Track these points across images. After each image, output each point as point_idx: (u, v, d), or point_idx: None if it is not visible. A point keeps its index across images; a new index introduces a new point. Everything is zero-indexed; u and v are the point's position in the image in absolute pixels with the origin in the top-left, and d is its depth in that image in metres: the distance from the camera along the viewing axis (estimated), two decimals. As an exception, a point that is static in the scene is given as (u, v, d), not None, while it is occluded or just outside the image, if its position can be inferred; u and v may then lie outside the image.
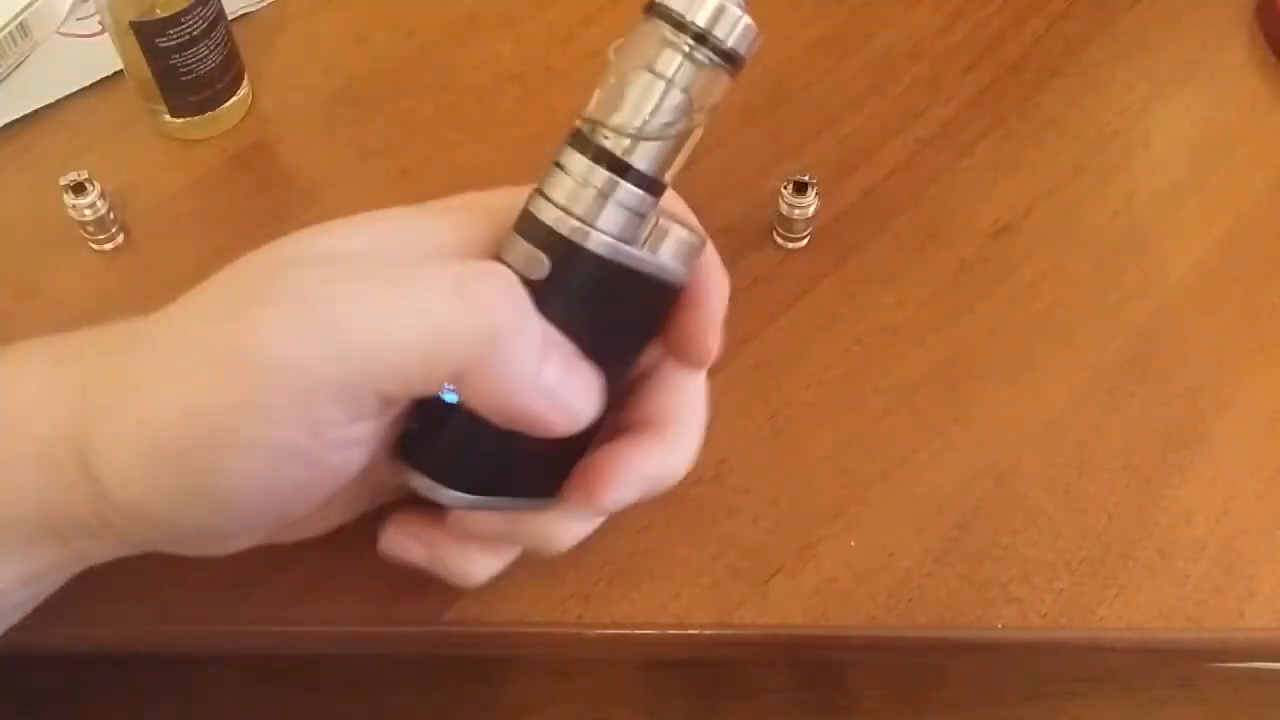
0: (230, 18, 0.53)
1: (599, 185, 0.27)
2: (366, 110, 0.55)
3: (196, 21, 0.49)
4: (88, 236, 0.49)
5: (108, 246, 0.49)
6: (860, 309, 0.48)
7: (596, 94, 0.28)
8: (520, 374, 0.26)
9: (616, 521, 0.39)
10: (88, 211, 0.48)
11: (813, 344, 0.47)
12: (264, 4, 0.59)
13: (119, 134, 0.54)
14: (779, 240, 0.50)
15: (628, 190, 0.27)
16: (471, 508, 0.31)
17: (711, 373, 0.46)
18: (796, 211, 0.48)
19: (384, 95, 0.55)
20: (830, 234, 0.50)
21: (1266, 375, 0.47)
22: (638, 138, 0.27)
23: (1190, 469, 0.44)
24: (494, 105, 0.55)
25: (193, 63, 0.50)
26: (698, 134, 0.28)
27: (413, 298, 0.25)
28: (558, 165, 0.28)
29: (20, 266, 0.49)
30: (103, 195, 0.48)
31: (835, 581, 0.41)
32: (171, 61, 0.50)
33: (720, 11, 0.26)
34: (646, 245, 0.28)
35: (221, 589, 0.39)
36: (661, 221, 0.29)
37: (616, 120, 0.27)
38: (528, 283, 0.27)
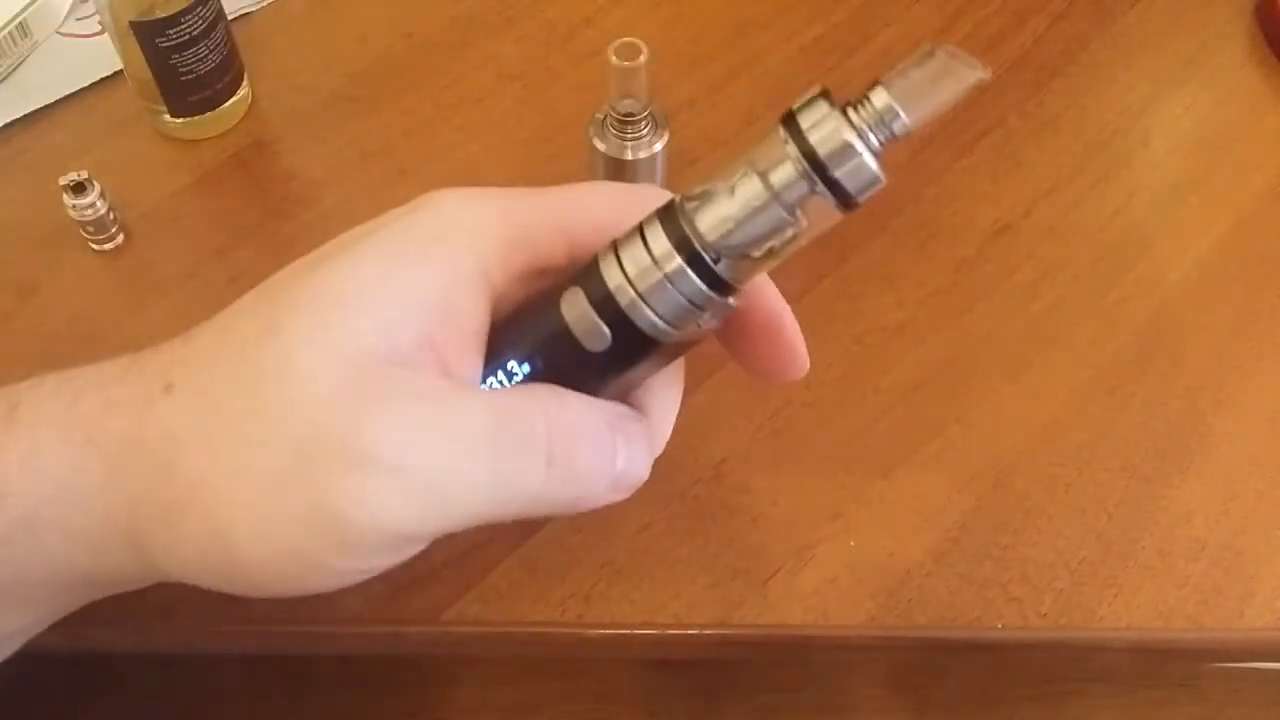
0: (230, 18, 0.53)
1: (671, 273, 0.26)
2: (366, 110, 0.55)
3: (196, 21, 0.49)
4: (88, 236, 0.49)
5: (108, 246, 0.49)
6: (860, 309, 0.48)
7: (709, 180, 0.27)
8: (598, 501, 0.28)
9: (616, 521, 0.39)
10: (88, 211, 0.48)
11: (813, 344, 0.47)
12: (264, 4, 0.59)
13: (119, 134, 0.54)
14: (779, 240, 0.50)
15: (699, 289, 0.27)
16: None
17: (711, 372, 0.46)
18: (796, 211, 0.48)
19: (384, 95, 0.56)
20: (830, 234, 0.50)
21: (1266, 375, 0.47)
22: (728, 248, 0.26)
23: (1190, 469, 0.44)
24: (494, 105, 0.55)
25: (193, 63, 0.50)
26: (784, 256, 0.27)
27: (504, 465, 0.26)
28: (641, 233, 0.27)
29: (20, 266, 0.49)
30: (103, 195, 0.48)
31: (835, 581, 0.41)
32: (171, 61, 0.50)
33: (848, 151, 0.25)
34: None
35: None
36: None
37: (711, 218, 0.26)
38: (581, 350, 0.28)
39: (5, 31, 0.55)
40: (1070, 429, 0.45)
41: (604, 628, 0.40)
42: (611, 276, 0.27)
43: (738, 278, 0.27)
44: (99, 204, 0.48)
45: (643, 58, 0.44)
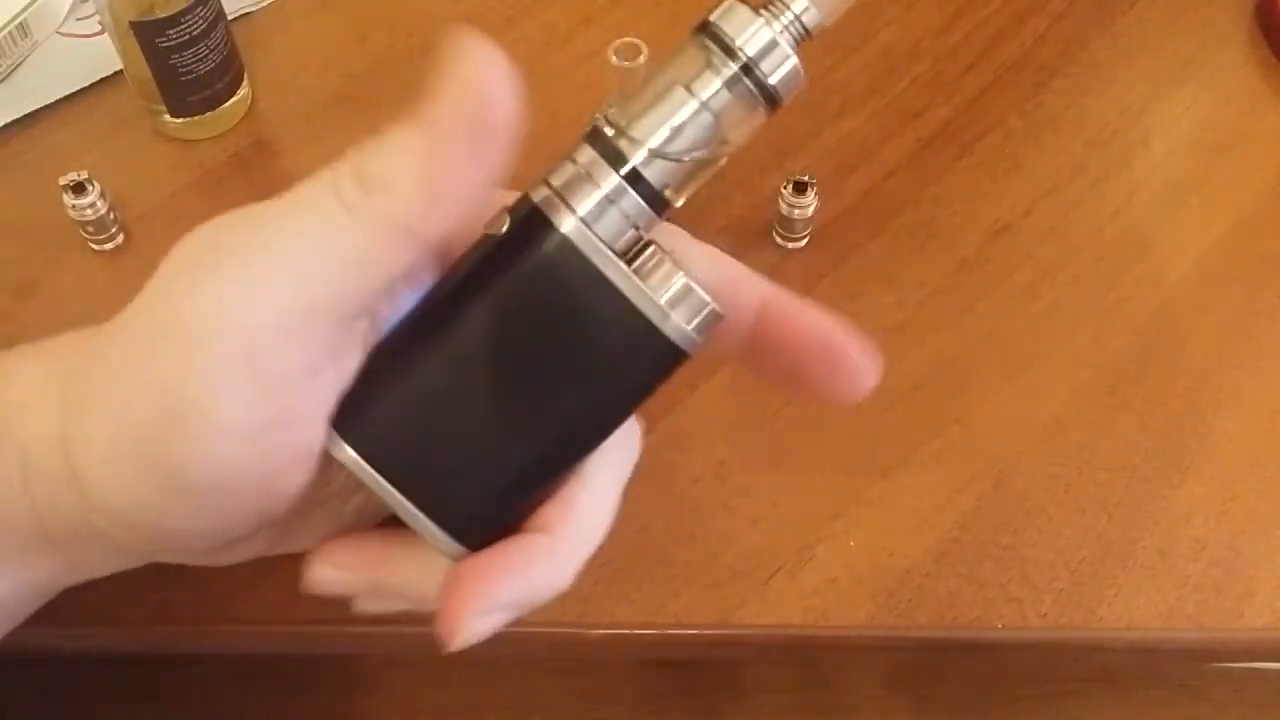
0: (230, 18, 0.53)
1: (598, 179, 0.26)
2: (366, 110, 0.55)
3: (196, 21, 0.49)
4: (88, 236, 0.49)
5: (108, 246, 0.49)
6: (860, 309, 0.48)
7: (627, 98, 0.27)
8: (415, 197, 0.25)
9: (616, 521, 0.39)
10: (88, 211, 0.48)
11: (813, 344, 0.47)
12: (264, 4, 0.59)
13: (119, 134, 0.54)
14: (779, 240, 0.50)
15: (628, 195, 0.26)
16: (376, 490, 0.27)
17: (712, 373, 0.46)
18: (796, 211, 0.48)
19: (384, 95, 0.55)
20: (830, 234, 0.50)
21: (1266, 375, 0.47)
22: (656, 152, 0.26)
23: (1190, 468, 0.44)
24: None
25: (193, 63, 0.50)
26: (717, 164, 0.27)
27: (327, 219, 0.25)
28: (567, 157, 0.27)
29: (20, 266, 0.49)
30: (103, 195, 0.48)
31: (835, 581, 0.41)
32: (171, 61, 0.50)
33: (772, 46, 0.26)
34: (641, 273, 0.26)
35: (221, 589, 0.39)
36: (683, 277, 0.26)
37: (639, 128, 0.26)
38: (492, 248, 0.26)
39: (5, 31, 0.55)
40: (1070, 429, 0.45)
41: (604, 628, 0.40)
42: (537, 192, 0.26)
43: (669, 187, 0.27)
44: (99, 204, 0.48)
45: (643, 58, 0.44)
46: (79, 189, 0.48)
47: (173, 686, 0.47)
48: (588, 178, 0.26)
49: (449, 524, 0.28)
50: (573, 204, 0.26)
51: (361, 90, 0.56)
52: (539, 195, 0.26)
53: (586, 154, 0.26)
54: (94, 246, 0.49)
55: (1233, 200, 0.52)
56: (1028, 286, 0.49)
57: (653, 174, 0.26)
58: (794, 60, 0.26)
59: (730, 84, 0.26)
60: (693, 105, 0.26)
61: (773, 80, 0.26)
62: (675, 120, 0.26)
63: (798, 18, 0.26)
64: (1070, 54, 0.58)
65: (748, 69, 0.26)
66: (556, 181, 0.26)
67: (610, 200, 0.26)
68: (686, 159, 0.26)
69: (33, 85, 0.55)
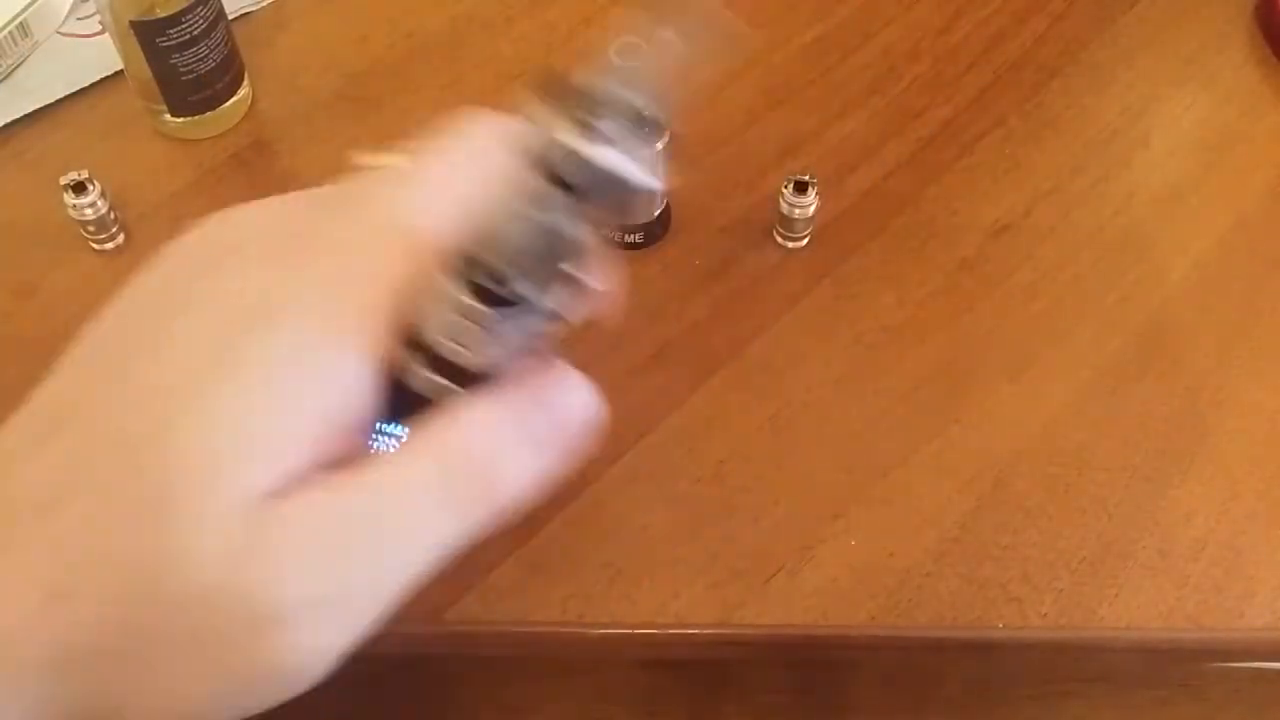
0: (230, 18, 0.53)
1: (479, 320, 0.24)
2: (366, 110, 0.55)
3: (196, 21, 0.49)
4: (88, 236, 0.49)
5: (108, 246, 0.49)
6: (860, 309, 0.48)
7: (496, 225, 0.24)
8: (523, 486, 0.26)
9: (617, 521, 0.39)
10: (88, 211, 0.48)
11: (813, 344, 0.47)
12: (264, 4, 0.59)
13: (119, 134, 0.54)
14: (779, 240, 0.50)
15: (510, 323, 0.24)
16: None
17: (711, 373, 0.46)
18: (796, 211, 0.48)
19: (384, 95, 0.56)
20: (830, 234, 0.50)
21: (1266, 374, 0.47)
22: (510, 274, 0.23)
23: (1190, 468, 0.44)
24: (494, 105, 0.55)
25: (193, 63, 0.50)
26: (601, 247, 0.24)
27: (404, 539, 0.26)
28: (444, 298, 0.25)
29: (20, 266, 0.49)
30: (103, 195, 0.48)
31: (835, 581, 0.41)
32: (171, 61, 0.50)
33: (572, 156, 0.22)
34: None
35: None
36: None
37: (492, 254, 0.23)
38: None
39: (5, 31, 0.55)
40: (1070, 429, 0.45)
41: (604, 628, 0.40)
42: (441, 348, 0.25)
43: (555, 296, 0.24)
44: (99, 204, 0.48)
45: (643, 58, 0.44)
46: (79, 189, 0.48)
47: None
48: (474, 325, 0.24)
49: None
50: (480, 353, 0.24)
51: (361, 90, 0.56)
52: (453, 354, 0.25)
53: (454, 294, 0.24)
54: (94, 246, 0.49)
55: (1233, 200, 0.52)
56: (1028, 286, 0.49)
57: (525, 289, 0.24)
58: (601, 161, 0.22)
59: (559, 190, 0.23)
60: (538, 226, 0.23)
61: (600, 185, 0.22)
62: (525, 238, 0.23)
63: (610, 109, 0.22)
64: (1070, 54, 0.58)
65: (566, 183, 0.22)
66: (447, 334, 0.25)
67: (499, 336, 0.24)
68: (547, 265, 0.24)
69: (33, 85, 0.55)
